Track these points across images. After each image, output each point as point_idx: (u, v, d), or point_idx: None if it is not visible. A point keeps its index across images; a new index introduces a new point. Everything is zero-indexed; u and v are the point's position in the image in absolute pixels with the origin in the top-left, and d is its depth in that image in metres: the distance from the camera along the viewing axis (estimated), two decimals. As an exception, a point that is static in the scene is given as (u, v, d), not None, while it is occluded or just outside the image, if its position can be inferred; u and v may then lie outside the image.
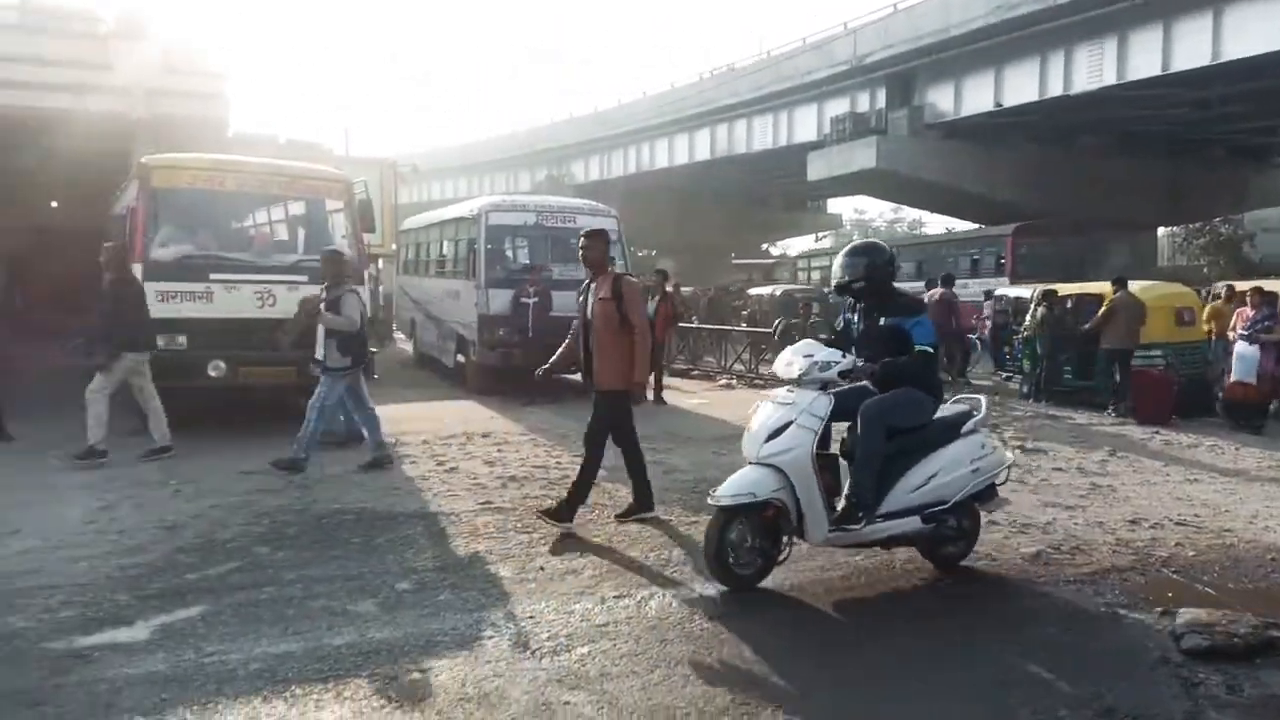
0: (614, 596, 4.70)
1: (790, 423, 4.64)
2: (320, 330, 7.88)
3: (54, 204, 21.07)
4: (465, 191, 45.76)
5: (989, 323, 16.65)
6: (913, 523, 4.80)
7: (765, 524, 4.67)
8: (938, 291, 14.26)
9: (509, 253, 13.05)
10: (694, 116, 36.01)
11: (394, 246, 19.08)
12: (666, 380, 13.04)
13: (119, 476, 7.28)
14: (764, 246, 50.41)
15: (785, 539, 4.75)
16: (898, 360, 4.86)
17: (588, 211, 13.25)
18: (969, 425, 5.03)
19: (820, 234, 57.92)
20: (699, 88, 36.28)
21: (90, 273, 16.08)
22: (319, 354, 7.98)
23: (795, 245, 54.23)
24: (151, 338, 8.16)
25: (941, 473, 4.85)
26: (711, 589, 4.75)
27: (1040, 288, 13.82)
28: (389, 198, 19.23)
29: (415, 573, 5.02)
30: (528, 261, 12.96)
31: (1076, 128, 27.83)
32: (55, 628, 4.11)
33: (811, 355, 4.80)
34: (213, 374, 8.81)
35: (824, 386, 4.78)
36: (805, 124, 31.81)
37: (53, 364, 12.30)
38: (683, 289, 19.95)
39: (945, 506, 4.85)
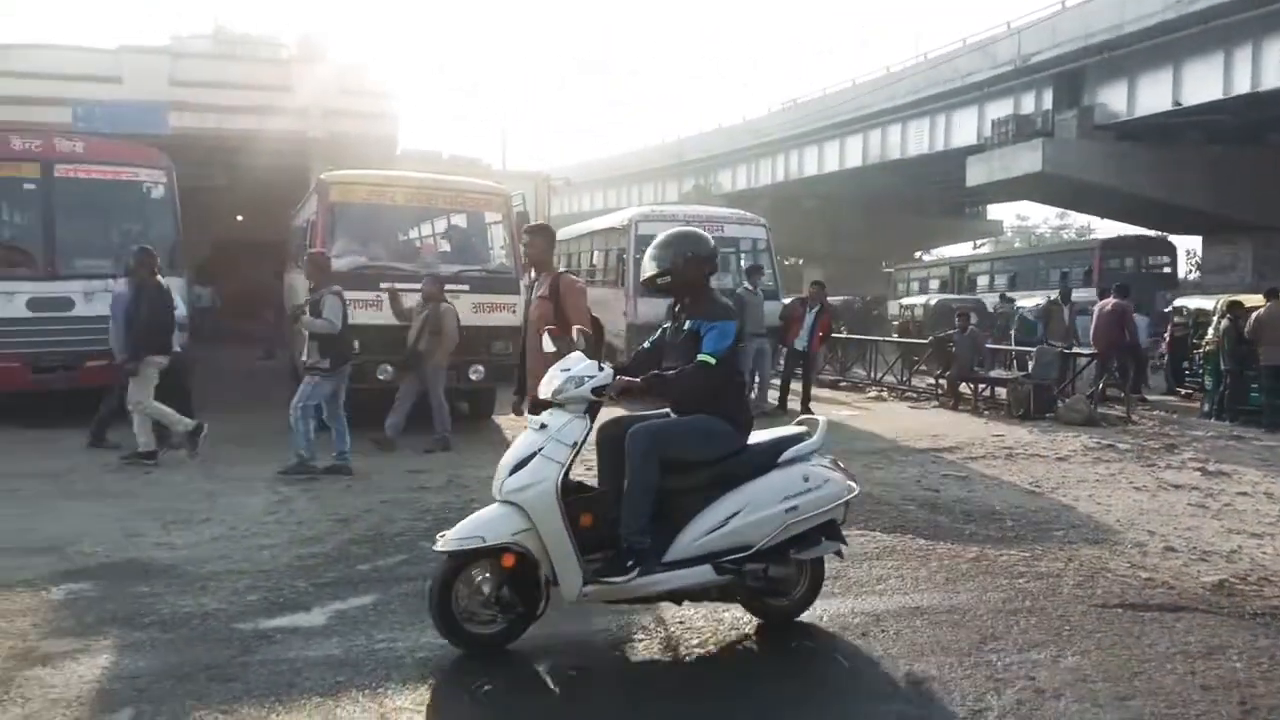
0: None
1: (537, 452, 3.87)
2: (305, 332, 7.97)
3: (239, 218, 22.77)
4: (615, 202, 46.59)
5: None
6: (703, 573, 3.93)
7: (513, 573, 3.81)
8: (1110, 302, 13.42)
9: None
10: (846, 122, 35.40)
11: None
12: (815, 391, 12.86)
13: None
14: (917, 254, 48.90)
15: (544, 590, 3.89)
16: (666, 374, 4.05)
17: (735, 220, 13.28)
18: (789, 454, 4.13)
19: (979, 241, 55.69)
20: (853, 93, 35.61)
21: (268, 281, 17.45)
22: (303, 355, 8.08)
23: (950, 252, 52.29)
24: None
25: (745, 512, 3.96)
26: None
27: (1225, 299, 12.83)
28: (543, 209, 19.79)
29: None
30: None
31: (1265, 125, 25.68)
32: (243, 610, 4.44)
33: (569, 369, 3.98)
34: (381, 378, 9.32)
35: (589, 408, 3.95)
36: (964, 127, 30.72)
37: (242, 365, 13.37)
38: (831, 299, 19.63)
39: (748, 553, 3.96)
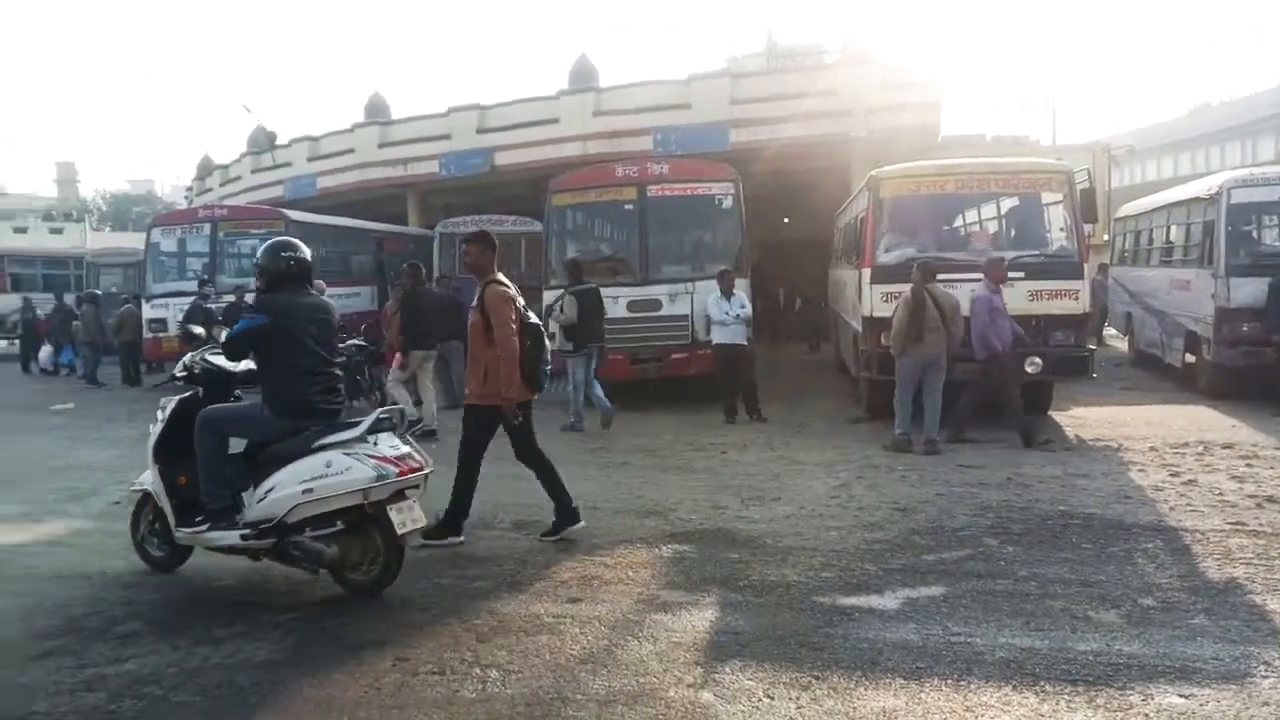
0: None
1: None
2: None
3: (785, 220, 24.28)
4: (1189, 168, 40.32)
5: None
6: (231, 537, 4.67)
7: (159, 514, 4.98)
8: None
9: (1257, 235, 11.16)
10: None
11: (1105, 236, 17.74)
12: None
13: (846, 459, 8.11)
14: None
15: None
16: (195, 354, 5.08)
17: (1376, 175, 10.60)
18: (325, 440, 4.61)
19: None
20: None
21: (813, 279, 18.36)
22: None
23: None
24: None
25: (276, 488, 4.56)
26: None
27: None
28: (1102, 183, 17.92)
29: (1159, 589, 4.57)
30: (1278, 245, 11.00)
31: None
32: (820, 585, 4.74)
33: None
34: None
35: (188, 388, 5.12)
36: None
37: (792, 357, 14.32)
38: None
39: (272, 524, 4.53)
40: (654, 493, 6.98)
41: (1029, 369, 9.13)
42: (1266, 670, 3.63)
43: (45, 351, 20.08)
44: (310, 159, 24.88)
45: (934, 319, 8.29)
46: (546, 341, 5.82)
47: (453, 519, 5.65)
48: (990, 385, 8.67)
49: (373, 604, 4.60)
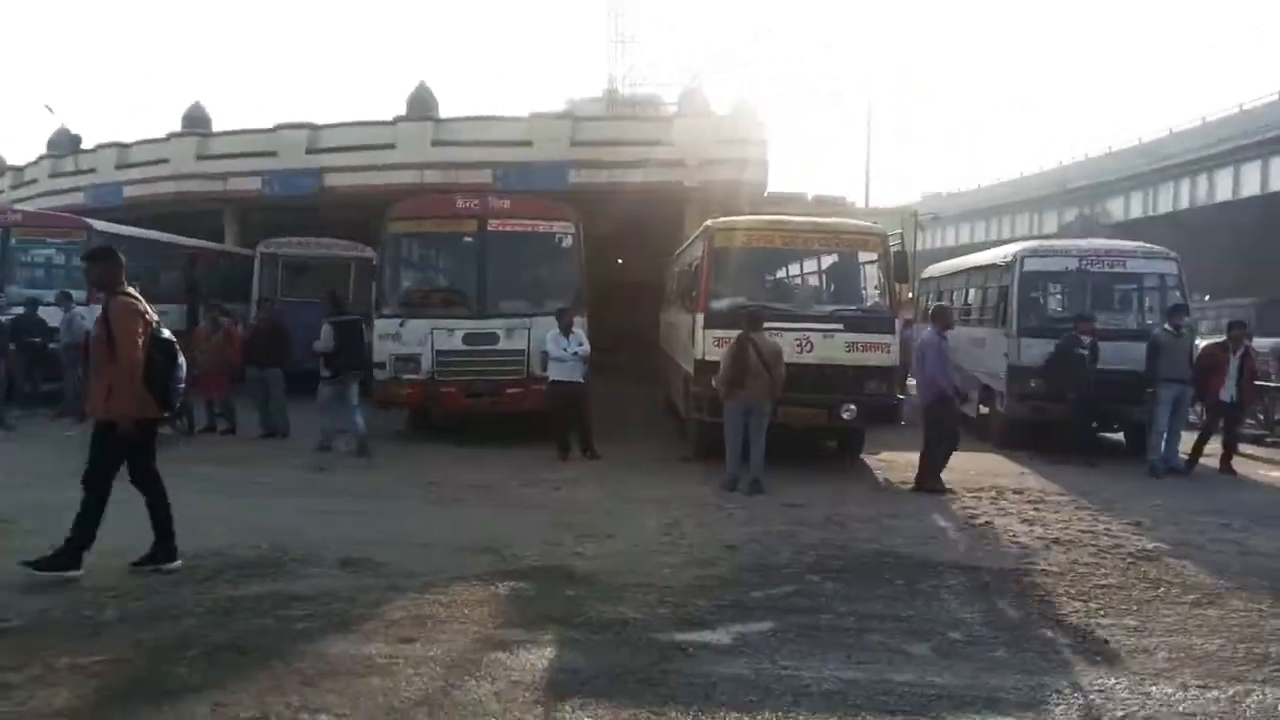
0: (1197, 685, 4.18)
1: None
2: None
3: (619, 261, 24.76)
4: (984, 236, 44.33)
5: None
6: None
7: None
8: None
9: (1044, 301, 12.44)
10: (1271, 141, 30.69)
11: (910, 294, 19.14)
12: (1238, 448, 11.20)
13: (677, 497, 8.32)
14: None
15: None
16: None
17: (1142, 254, 12.05)
18: None
19: None
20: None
21: (642, 319, 18.79)
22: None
23: None
24: None
25: None
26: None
27: None
28: (909, 246, 19.38)
29: (964, 624, 4.96)
30: (1062, 310, 12.28)
31: None
32: (655, 621, 4.83)
33: None
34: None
35: None
36: None
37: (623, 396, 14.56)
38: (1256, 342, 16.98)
39: None
40: (488, 529, 6.88)
41: (844, 415, 9.72)
42: (1059, 698, 4.01)
43: None
44: (119, 166, 23.17)
45: (757, 366, 8.66)
46: (181, 358, 5.60)
47: (73, 549, 5.23)
48: (942, 426, 9.07)
49: (187, 647, 4.29)
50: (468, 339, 11.14)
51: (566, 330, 10.29)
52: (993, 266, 13.04)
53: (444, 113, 21.00)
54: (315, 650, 4.30)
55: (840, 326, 9.79)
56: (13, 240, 14.34)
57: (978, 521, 7.60)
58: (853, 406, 9.69)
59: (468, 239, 11.84)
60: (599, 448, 10.45)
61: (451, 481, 8.84)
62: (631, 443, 11.54)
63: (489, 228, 11.50)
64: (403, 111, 20.68)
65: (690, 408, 10.34)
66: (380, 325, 11.23)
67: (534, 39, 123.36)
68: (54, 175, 24.81)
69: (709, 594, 5.33)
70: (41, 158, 25.54)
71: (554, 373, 10.31)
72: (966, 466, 10.34)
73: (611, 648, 4.42)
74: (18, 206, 20.68)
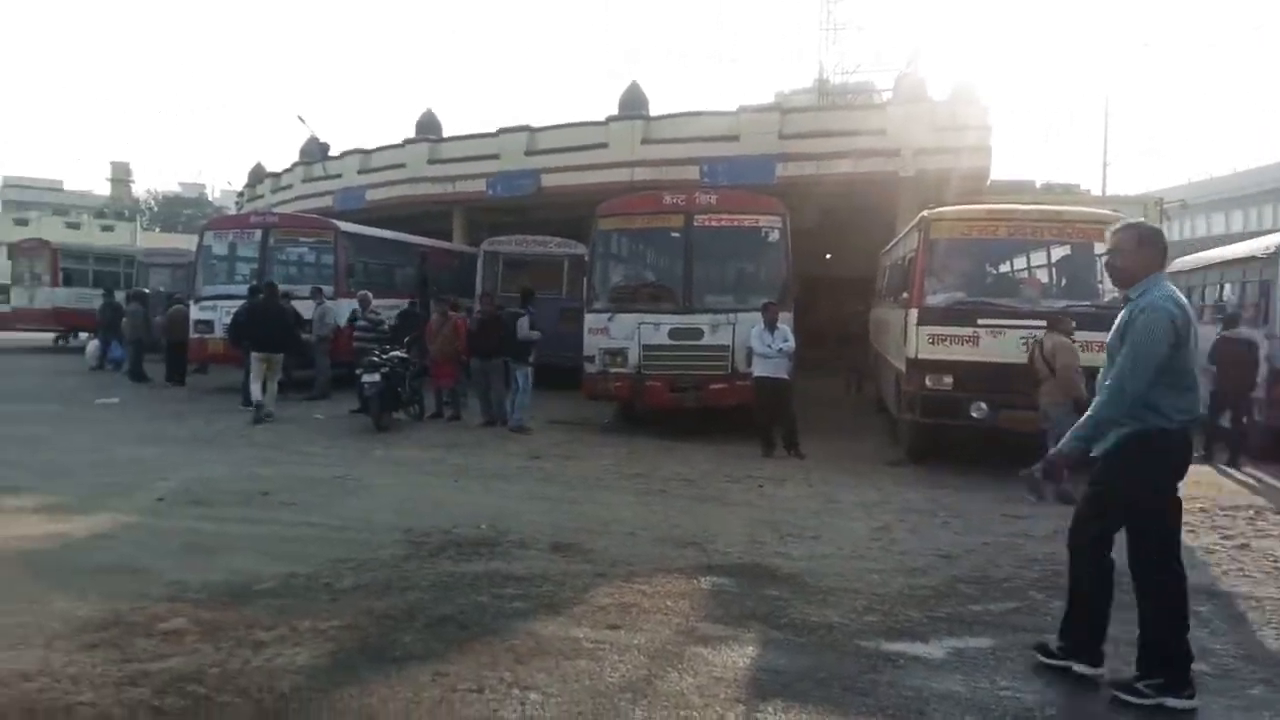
0: None
1: None
2: None
3: (827, 256, 24.22)
4: (1240, 226, 39.79)
5: None
6: None
7: None
8: None
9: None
10: None
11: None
12: None
13: (887, 500, 8.01)
14: None
15: None
16: None
17: None
18: None
19: None
20: None
21: (852, 315, 18.26)
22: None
23: None
24: None
25: None
26: None
27: None
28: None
29: (1214, 655, 4.44)
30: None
31: None
32: (863, 628, 4.66)
33: None
34: (974, 415, 9.13)
35: None
36: None
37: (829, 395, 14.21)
38: None
39: None
40: (692, 523, 6.92)
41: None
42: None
43: (92, 347, 20.44)
44: (361, 171, 25.28)
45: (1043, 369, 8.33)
46: None
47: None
48: None
49: (413, 618, 4.59)
50: (673, 334, 11.27)
51: (771, 325, 10.17)
52: (1251, 259, 11.65)
53: (654, 111, 21.33)
54: (527, 629, 4.47)
55: (1073, 324, 9.06)
56: (271, 240, 15.96)
57: (1232, 543, 6.81)
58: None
59: (674, 234, 11.96)
60: (804, 445, 10.26)
61: (657, 474, 8.96)
62: (839, 441, 11.27)
63: (695, 223, 11.57)
64: (615, 112, 21.19)
65: (902, 407, 9.94)
66: (590, 320, 11.57)
67: (746, 32, 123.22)
68: (306, 180, 27.39)
69: (921, 604, 5.08)
70: (295, 165, 28.26)
71: (758, 368, 10.22)
72: (1220, 482, 9.34)
73: (815, 651, 4.30)
74: (277, 210, 23.09)
